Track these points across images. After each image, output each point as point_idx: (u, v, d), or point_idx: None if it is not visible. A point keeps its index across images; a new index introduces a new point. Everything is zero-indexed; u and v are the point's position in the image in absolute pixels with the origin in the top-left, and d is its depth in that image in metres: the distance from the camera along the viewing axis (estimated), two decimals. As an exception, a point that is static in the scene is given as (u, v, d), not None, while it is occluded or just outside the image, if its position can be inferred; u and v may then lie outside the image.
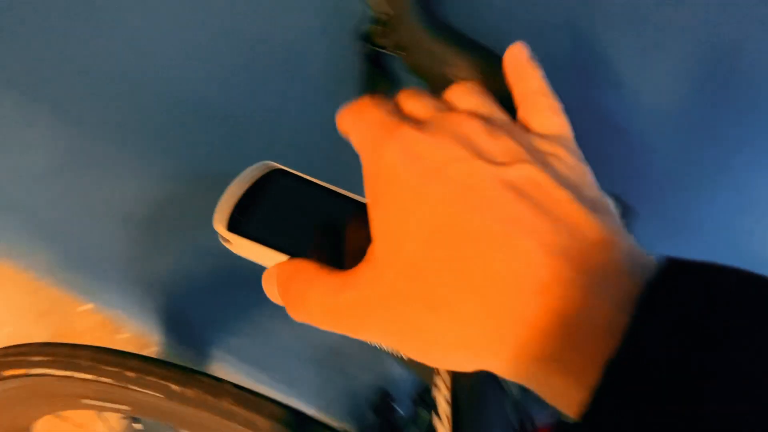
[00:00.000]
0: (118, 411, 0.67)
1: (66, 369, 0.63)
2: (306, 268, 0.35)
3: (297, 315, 0.34)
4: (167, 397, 0.60)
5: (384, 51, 0.59)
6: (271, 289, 0.36)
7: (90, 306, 1.34)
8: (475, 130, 0.32)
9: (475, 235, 0.28)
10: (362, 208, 0.36)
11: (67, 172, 1.05)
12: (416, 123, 0.34)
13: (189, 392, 0.59)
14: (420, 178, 0.30)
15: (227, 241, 0.39)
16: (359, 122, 0.36)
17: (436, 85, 0.60)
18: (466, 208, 0.29)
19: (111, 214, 1.08)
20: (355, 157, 0.37)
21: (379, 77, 0.64)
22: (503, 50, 0.60)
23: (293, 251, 0.39)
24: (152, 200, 1.01)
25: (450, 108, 0.36)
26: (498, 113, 0.36)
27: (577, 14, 0.64)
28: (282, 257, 0.38)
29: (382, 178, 0.32)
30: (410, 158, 0.31)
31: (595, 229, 0.28)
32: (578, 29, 0.65)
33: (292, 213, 0.41)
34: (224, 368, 1.30)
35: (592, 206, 0.30)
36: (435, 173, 0.30)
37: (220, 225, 0.39)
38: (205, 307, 1.23)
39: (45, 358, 0.64)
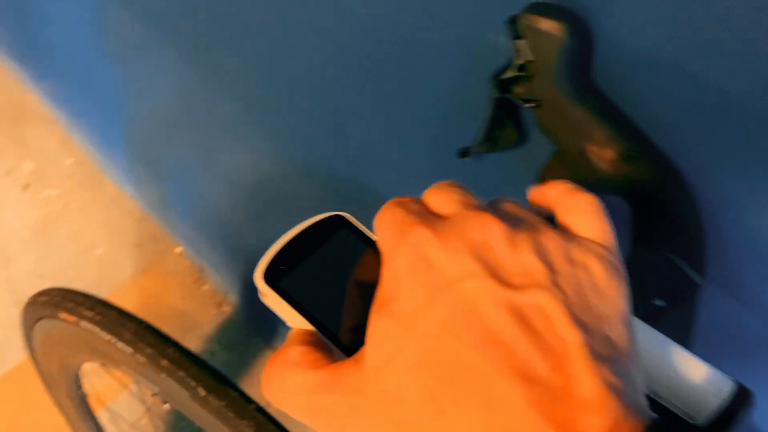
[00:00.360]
0: (149, 387, 0.65)
1: (110, 333, 0.62)
2: (294, 351, 0.32)
3: (270, 398, 0.32)
4: (191, 397, 0.57)
5: (517, 100, 0.52)
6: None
7: (180, 250, 1.36)
8: (497, 238, 0.29)
9: (462, 370, 0.26)
10: None
11: (194, 127, 1.05)
12: (435, 222, 0.31)
13: (214, 401, 0.56)
14: (424, 293, 0.28)
15: (261, 292, 0.35)
16: (382, 222, 0.34)
17: (564, 151, 0.53)
18: (461, 336, 0.27)
19: (222, 174, 1.08)
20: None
21: (505, 126, 0.57)
22: (657, 132, 0.52)
23: (321, 322, 0.33)
24: (261, 175, 1.00)
25: (477, 204, 0.34)
26: (530, 214, 0.33)
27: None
28: (308, 327, 0.33)
29: (390, 284, 0.30)
30: (419, 267, 0.29)
31: (594, 387, 0.25)
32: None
33: (338, 277, 0.36)
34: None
35: (604, 350, 0.27)
36: (440, 290, 0.28)
37: (257, 272, 0.34)
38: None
39: (95, 316, 0.63)
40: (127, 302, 1.29)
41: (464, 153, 0.61)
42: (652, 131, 0.51)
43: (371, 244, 0.38)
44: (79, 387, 0.89)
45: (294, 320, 0.34)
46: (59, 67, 1.29)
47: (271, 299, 0.34)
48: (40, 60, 1.35)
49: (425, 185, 0.67)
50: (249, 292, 1.29)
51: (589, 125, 0.50)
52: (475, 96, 0.60)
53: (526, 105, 0.51)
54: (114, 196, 1.39)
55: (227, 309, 1.33)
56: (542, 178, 0.56)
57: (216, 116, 0.99)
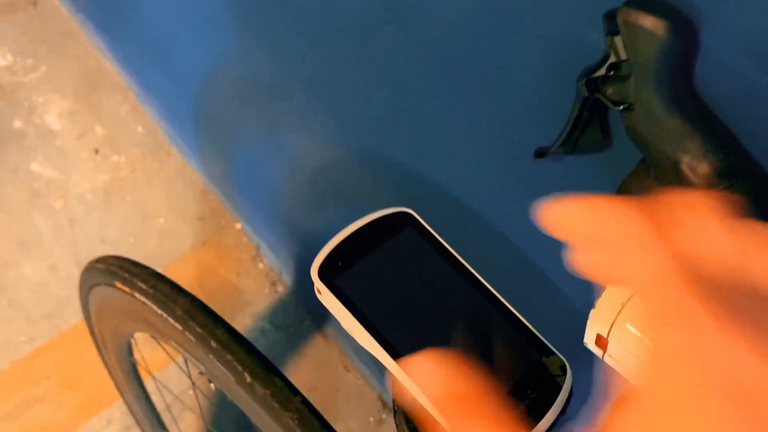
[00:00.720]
0: (196, 366, 0.64)
1: (161, 308, 0.61)
2: (488, 405, 0.23)
3: None
4: (237, 382, 0.56)
5: (606, 101, 0.48)
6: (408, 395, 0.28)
7: (240, 226, 1.36)
8: None
9: None
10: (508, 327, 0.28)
11: (261, 104, 1.04)
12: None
13: (259, 389, 0.54)
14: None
15: (316, 288, 0.32)
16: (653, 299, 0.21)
17: (652, 161, 0.48)
18: None
19: (285, 154, 1.07)
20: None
21: (589, 129, 0.53)
22: (761, 148, 0.47)
23: (375, 325, 0.31)
24: (324, 158, 0.98)
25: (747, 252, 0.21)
26: None
27: None
28: (362, 333, 0.31)
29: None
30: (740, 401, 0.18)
31: None
32: None
33: (399, 279, 0.33)
34: (333, 336, 1.27)
35: None
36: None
37: (314, 266, 0.32)
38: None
39: (148, 289, 0.62)
40: (184, 274, 1.30)
41: (541, 153, 0.57)
42: (755, 147, 0.46)
43: (437, 247, 0.35)
44: (129, 354, 0.89)
45: (346, 321, 0.32)
46: (136, 36, 1.31)
47: (325, 296, 0.32)
48: (118, 28, 1.36)
49: (497, 183, 0.64)
50: (303, 274, 1.28)
51: (684, 135, 0.46)
52: (558, 94, 0.56)
53: (616, 107, 0.47)
54: (179, 168, 1.41)
55: (281, 289, 1.33)
56: (625, 189, 0.52)
57: (284, 96, 0.97)
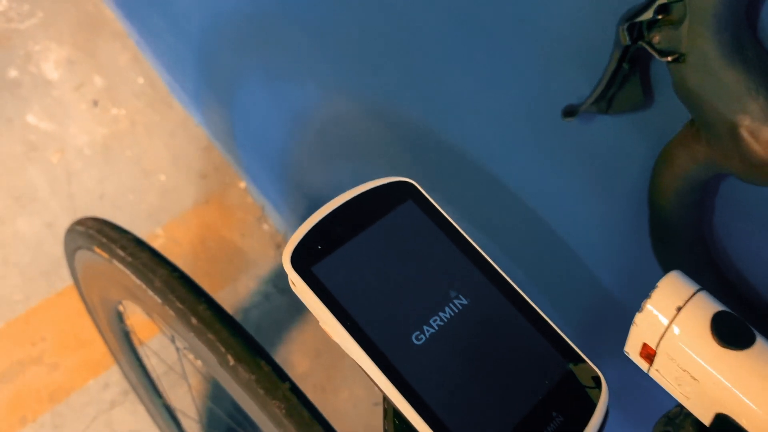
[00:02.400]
0: (180, 342, 0.58)
1: (140, 279, 0.55)
2: None
3: None
4: (219, 363, 0.50)
5: (651, 50, 0.40)
6: None
7: (244, 185, 1.30)
8: None
9: None
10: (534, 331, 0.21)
11: (265, 54, 0.97)
12: None
13: (243, 373, 0.49)
14: None
15: (291, 281, 0.26)
16: None
17: (705, 123, 0.41)
18: None
19: (290, 107, 1.00)
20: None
21: (627, 84, 0.45)
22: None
23: (361, 327, 0.24)
24: (330, 112, 0.91)
25: None
26: None
27: None
28: (346, 337, 0.24)
29: None
30: None
31: None
32: None
33: (394, 266, 0.26)
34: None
35: None
36: None
37: (285, 252, 0.25)
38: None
39: (126, 257, 0.56)
40: (185, 233, 1.25)
41: (571, 112, 0.50)
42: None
43: (444, 227, 0.28)
44: (121, 321, 0.84)
45: (326, 321, 0.25)
46: (135, -21, 1.23)
47: (300, 289, 0.25)
48: (117, -30, 1.28)
49: (517, 145, 0.56)
50: (310, 236, 1.22)
51: (746, 93, 0.38)
52: (593, 42, 0.48)
53: (664, 58, 0.40)
54: (181, 122, 1.34)
55: (286, 251, 1.27)
56: (669, 156, 0.45)
57: (292, 44, 0.90)
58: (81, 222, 0.66)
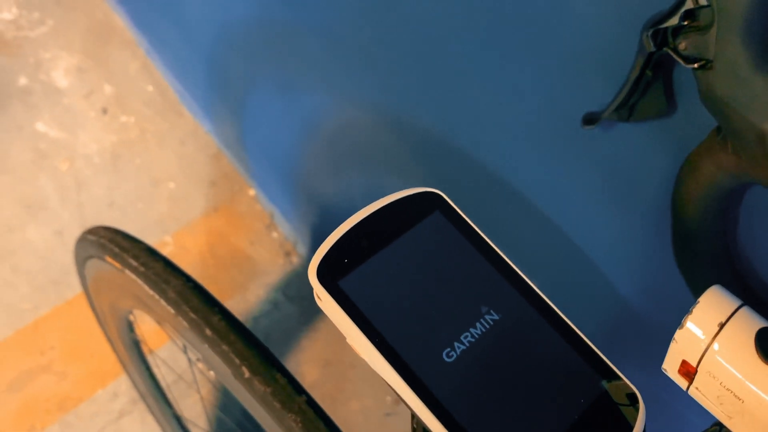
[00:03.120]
0: (193, 353, 0.58)
1: (153, 289, 0.55)
2: None
3: None
4: (234, 375, 0.49)
5: (677, 57, 0.39)
6: None
7: (253, 193, 1.29)
8: None
9: None
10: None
11: (276, 62, 0.96)
12: None
13: (258, 386, 0.48)
14: None
15: (317, 295, 0.25)
16: None
17: (732, 132, 0.40)
18: None
19: (301, 116, 0.99)
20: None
21: (650, 91, 0.45)
22: None
23: (390, 345, 0.24)
24: (342, 120, 0.90)
25: None
26: None
27: None
28: (375, 355, 0.23)
29: None
30: None
31: None
32: None
33: (425, 283, 0.25)
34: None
35: None
36: None
37: (312, 266, 0.24)
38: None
39: (139, 267, 0.55)
40: (195, 241, 1.24)
41: (591, 120, 0.49)
42: None
43: (473, 239, 0.27)
44: (131, 330, 0.83)
45: (353, 337, 0.24)
46: (145, -13, 1.22)
47: (327, 304, 0.25)
48: (128, -22, 1.28)
49: (536, 154, 0.55)
50: (319, 243, 1.21)
51: (777, 101, 0.37)
52: (613, 51, 0.47)
53: (690, 65, 0.39)
54: (191, 130, 1.33)
55: (295, 259, 1.26)
56: (693, 165, 0.44)
57: (302, 52, 0.89)
58: (92, 231, 0.66)
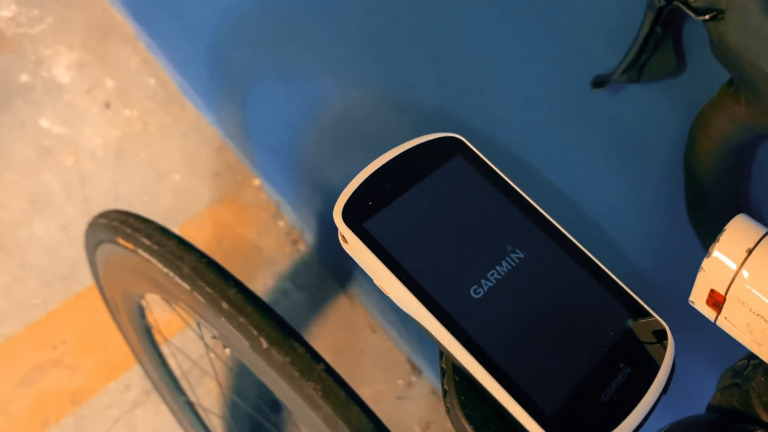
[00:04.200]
0: (209, 330, 0.58)
1: (167, 267, 0.55)
2: None
3: None
4: (252, 348, 0.49)
5: (687, 9, 0.39)
6: None
7: (258, 182, 1.29)
8: None
9: None
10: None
11: (278, 50, 0.96)
12: None
13: (277, 356, 0.48)
14: None
15: (341, 236, 0.25)
16: None
17: (747, 82, 0.40)
18: None
19: (305, 102, 0.99)
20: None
21: (660, 49, 0.44)
22: None
23: (417, 281, 0.24)
24: (347, 103, 0.90)
25: None
26: None
27: None
28: (401, 290, 0.23)
29: None
30: None
31: None
32: None
33: (445, 220, 0.25)
34: (358, 296, 1.21)
35: None
36: None
37: (337, 208, 0.25)
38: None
39: (152, 245, 0.56)
40: (201, 233, 1.24)
41: (600, 83, 0.49)
42: None
43: (494, 180, 0.27)
44: (142, 317, 0.84)
45: (381, 276, 0.24)
46: (144, -21, 1.22)
47: (352, 245, 0.25)
48: (126, -28, 1.28)
49: (545, 123, 0.55)
50: (326, 231, 1.21)
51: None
52: (622, 7, 0.47)
53: (701, 16, 0.39)
54: (193, 122, 1.33)
55: (302, 248, 1.26)
56: (706, 120, 0.44)
57: (303, 37, 0.89)
58: (104, 215, 0.66)
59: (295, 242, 1.27)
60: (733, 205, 0.46)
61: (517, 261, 0.25)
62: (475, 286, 0.24)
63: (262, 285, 1.22)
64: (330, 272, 1.25)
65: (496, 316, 0.24)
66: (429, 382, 1.17)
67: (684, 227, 0.50)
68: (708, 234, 0.48)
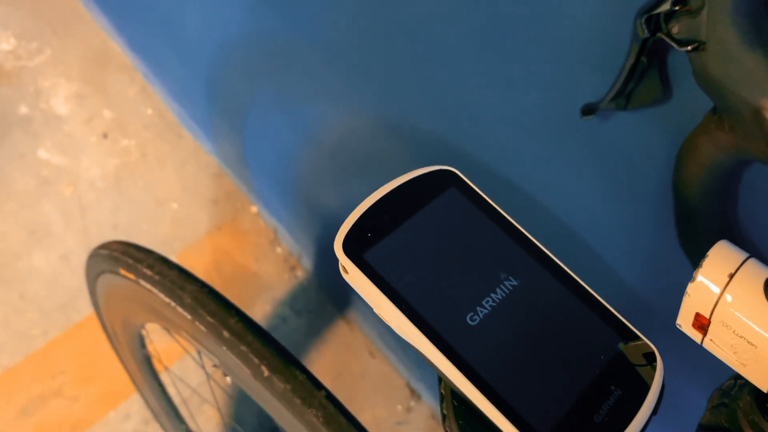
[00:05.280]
0: (210, 358, 0.58)
1: (168, 297, 0.56)
2: None
3: None
4: (253, 376, 0.50)
5: (670, 41, 0.41)
6: None
7: (256, 209, 1.31)
8: None
9: None
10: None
11: (275, 78, 0.98)
12: None
13: (278, 383, 0.48)
14: None
15: (342, 265, 0.26)
16: None
17: (728, 110, 0.41)
18: None
19: (302, 130, 1.01)
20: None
21: (646, 77, 0.46)
22: None
23: (417, 311, 0.25)
24: (344, 131, 0.92)
25: None
26: None
27: None
28: (401, 319, 0.25)
29: None
30: None
31: None
32: None
33: (442, 251, 0.27)
34: (356, 321, 1.22)
35: None
36: None
37: (338, 239, 0.26)
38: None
39: (154, 276, 0.56)
40: (200, 260, 1.25)
41: (589, 110, 0.50)
42: None
43: (488, 211, 0.29)
44: (142, 346, 0.84)
45: (381, 305, 0.25)
46: (141, 13, 1.24)
47: (353, 275, 0.26)
48: (123, 6, 1.30)
49: (536, 149, 0.57)
50: (323, 257, 1.22)
51: (768, 76, 0.39)
52: (605, 42, 0.49)
53: (684, 48, 0.40)
54: (191, 150, 1.35)
55: (301, 273, 1.27)
56: (692, 146, 0.45)
57: (299, 65, 0.91)
58: (105, 246, 0.67)
59: (293, 268, 1.28)
60: (721, 228, 0.48)
61: (511, 288, 0.26)
62: (471, 314, 0.25)
63: (260, 311, 1.23)
64: (328, 297, 1.25)
65: (491, 342, 0.25)
66: (428, 406, 1.17)
67: (674, 249, 0.51)
68: (697, 256, 0.49)
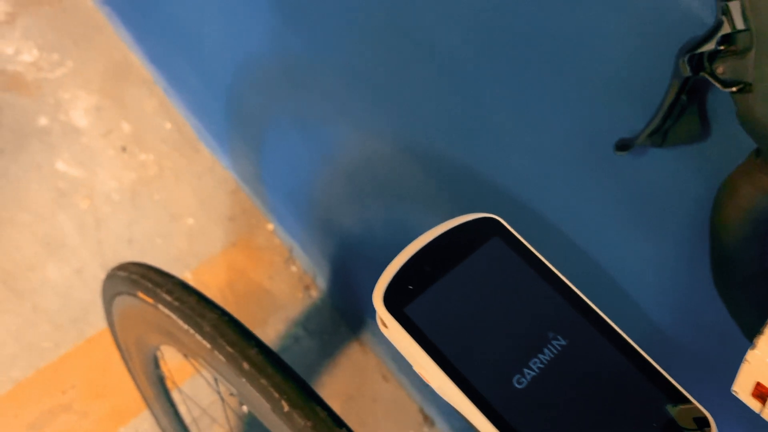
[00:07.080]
0: (227, 387, 0.57)
1: (187, 323, 0.54)
2: None
3: None
4: (273, 410, 0.49)
5: (714, 81, 0.40)
6: None
7: (272, 227, 1.30)
8: None
9: None
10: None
11: (294, 97, 0.97)
12: None
13: (298, 420, 0.47)
14: None
15: (380, 320, 0.25)
16: None
17: (771, 154, 0.40)
18: None
19: (320, 149, 1.00)
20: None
21: (685, 115, 0.45)
22: None
23: (460, 371, 0.23)
24: (362, 153, 0.91)
25: None
26: None
27: None
28: (444, 380, 0.23)
29: None
30: None
31: None
32: None
33: (486, 306, 0.25)
34: (370, 344, 1.20)
35: None
36: None
37: (376, 292, 0.24)
38: (372, 275, 1.13)
39: (174, 302, 0.55)
40: (214, 276, 1.24)
41: (624, 146, 0.49)
42: None
43: (534, 264, 0.27)
44: (156, 367, 0.83)
45: (422, 364, 0.24)
46: (163, 27, 1.25)
47: (394, 331, 0.24)
48: (145, 20, 1.31)
49: (567, 182, 0.55)
50: (338, 277, 1.21)
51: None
52: (647, 75, 0.48)
53: (728, 89, 0.39)
54: (209, 166, 1.34)
55: (315, 293, 1.26)
56: (732, 188, 0.44)
57: (320, 86, 0.90)
58: (122, 267, 0.66)
59: (307, 287, 1.27)
60: (760, 272, 0.46)
61: (559, 348, 0.25)
62: (518, 376, 0.24)
63: (273, 330, 1.22)
64: (342, 318, 1.24)
65: (539, 407, 0.24)
66: (441, 432, 1.15)
67: (708, 291, 0.50)
68: (735, 302, 0.47)
